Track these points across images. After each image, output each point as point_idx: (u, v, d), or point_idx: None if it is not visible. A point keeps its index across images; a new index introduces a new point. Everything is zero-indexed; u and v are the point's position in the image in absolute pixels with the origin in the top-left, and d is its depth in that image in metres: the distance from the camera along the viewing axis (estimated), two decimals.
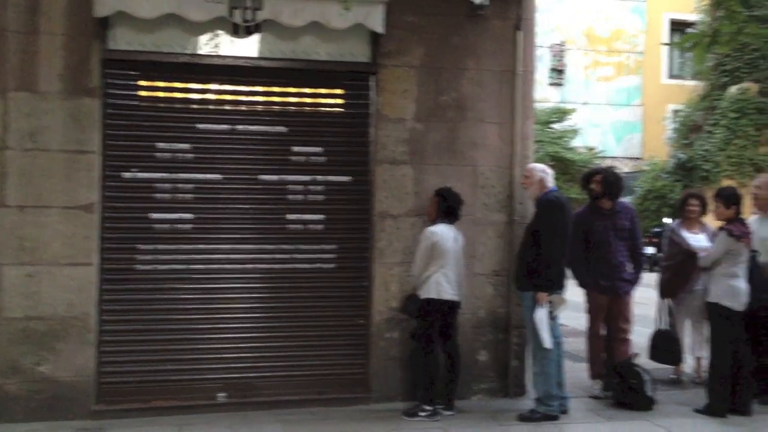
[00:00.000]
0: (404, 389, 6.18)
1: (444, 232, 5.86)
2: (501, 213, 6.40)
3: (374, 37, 6.16)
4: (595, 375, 6.67)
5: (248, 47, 6.02)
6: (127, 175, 5.85)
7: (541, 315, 5.69)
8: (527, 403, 6.07)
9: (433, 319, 5.85)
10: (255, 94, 6.09)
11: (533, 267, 5.74)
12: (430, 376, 5.84)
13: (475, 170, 6.37)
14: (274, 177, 6.08)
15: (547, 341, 5.72)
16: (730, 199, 6.13)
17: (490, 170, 6.39)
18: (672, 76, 26.46)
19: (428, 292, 5.82)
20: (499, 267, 6.39)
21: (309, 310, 6.12)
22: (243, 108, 6.06)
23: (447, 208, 5.94)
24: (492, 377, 6.42)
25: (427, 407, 5.80)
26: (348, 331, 6.20)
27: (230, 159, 6.00)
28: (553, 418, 5.79)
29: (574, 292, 5.92)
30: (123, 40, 5.81)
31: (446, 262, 5.82)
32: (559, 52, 26.56)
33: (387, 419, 5.77)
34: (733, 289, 5.98)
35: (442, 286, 5.81)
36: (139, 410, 5.75)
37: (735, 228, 5.99)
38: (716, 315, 6.08)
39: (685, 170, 20.17)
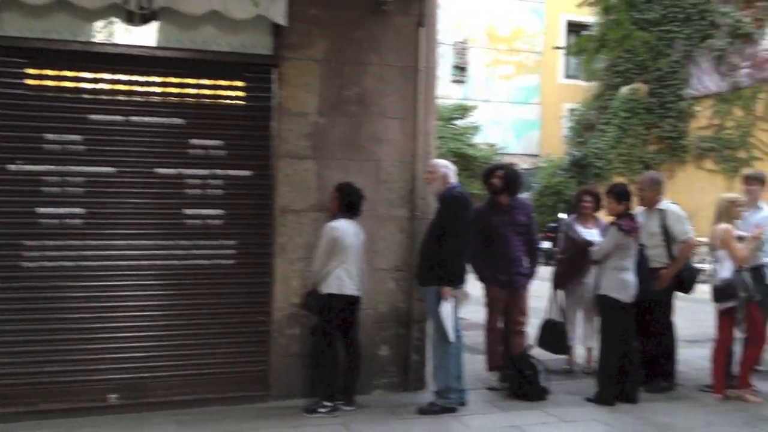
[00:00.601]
0: (305, 386, 6.14)
1: (345, 228, 5.85)
2: (403, 208, 6.43)
3: (277, 29, 6.07)
4: (492, 367, 6.81)
5: (144, 36, 5.81)
6: (12, 167, 5.55)
7: (446, 309, 5.76)
8: (427, 396, 6.14)
9: (334, 315, 5.83)
10: (151, 85, 5.89)
11: (436, 262, 5.80)
12: (330, 372, 5.82)
13: (378, 165, 6.38)
14: (172, 170, 5.91)
15: (452, 335, 5.79)
16: (621, 195, 6.38)
17: (392, 165, 6.42)
18: (568, 76, 27.36)
19: (329, 287, 5.80)
20: (400, 262, 6.42)
21: (207, 308, 5.98)
22: (138, 99, 5.85)
23: (348, 203, 5.92)
24: (392, 372, 6.45)
25: (327, 403, 5.78)
26: (248, 328, 6.09)
27: (124, 152, 5.78)
28: (452, 410, 5.88)
29: (471, 286, 6.03)
30: (11, 27, 5.50)
31: (347, 257, 5.81)
32: (461, 49, 27.00)
33: (287, 416, 5.72)
34: (622, 282, 6.22)
35: (343, 281, 5.79)
36: (25, 414, 5.48)
37: (625, 223, 6.23)
38: (606, 307, 6.31)
39: (579, 167, 20.89)
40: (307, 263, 6.06)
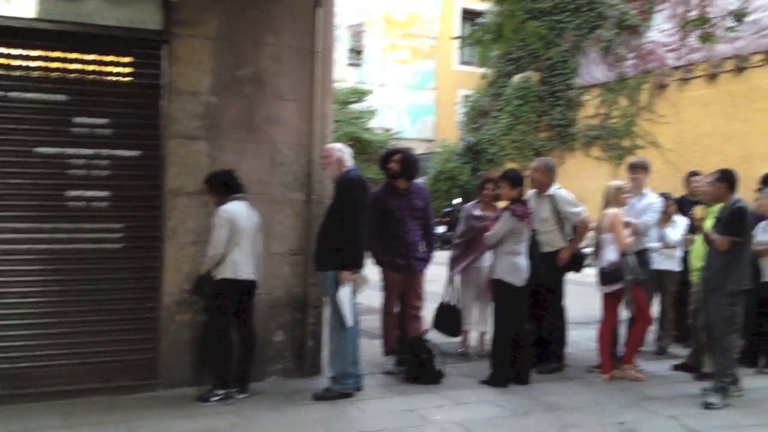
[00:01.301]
0: (196, 374, 5.96)
1: (238, 210, 5.69)
2: (299, 192, 6.32)
3: (167, 5, 5.81)
4: (388, 351, 6.82)
5: (23, 7, 5.43)
6: None
7: (344, 294, 5.70)
8: (323, 382, 6.08)
9: (228, 300, 5.68)
10: (30, 59, 5.53)
11: (334, 246, 5.72)
12: (223, 358, 5.68)
13: (274, 148, 6.24)
14: (52, 150, 5.58)
15: (350, 320, 5.75)
16: (514, 180, 6.49)
17: (288, 148, 6.29)
18: (463, 63, 27.75)
19: (224, 272, 5.64)
20: (296, 246, 6.32)
21: (93, 294, 5.70)
22: (16, 73, 5.48)
23: (222, 183, 5.73)
24: (288, 357, 6.36)
25: (220, 391, 5.63)
26: (135, 315, 5.85)
27: (1, 129, 5.42)
28: (348, 395, 5.85)
29: (368, 271, 6.01)
30: None
31: (241, 240, 5.66)
32: (357, 33, 26.92)
33: (178, 405, 5.54)
34: (515, 266, 6.35)
35: (238, 265, 5.65)
36: None
37: (518, 208, 6.34)
38: (499, 290, 6.42)
39: (473, 153, 21.25)
40: (199, 248, 5.86)
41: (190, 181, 5.93)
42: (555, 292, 6.92)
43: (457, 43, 26.47)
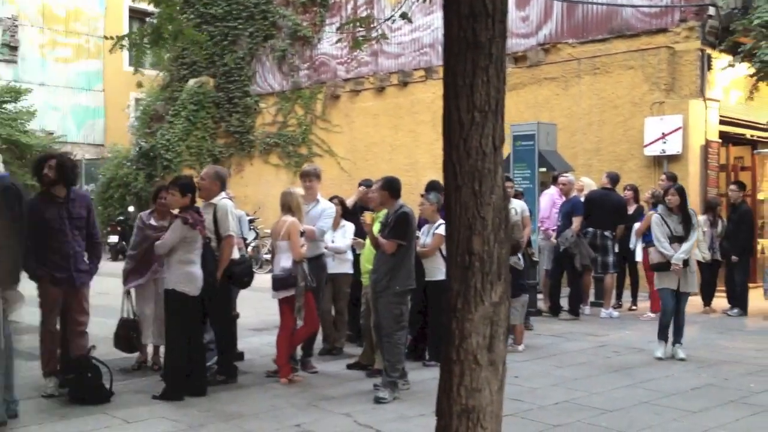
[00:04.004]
0: None
1: None
2: None
3: None
4: (49, 372, 6.17)
5: None
6: None
7: None
8: None
9: None
10: None
11: None
12: None
13: None
14: None
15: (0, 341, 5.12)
16: (185, 187, 6.28)
17: None
18: (132, 64, 26.49)
19: None
20: None
21: None
22: None
23: None
24: None
25: None
26: None
27: None
28: (1, 424, 5.16)
29: (26, 286, 5.38)
30: None
31: None
32: (11, 26, 24.41)
33: None
34: (188, 275, 6.14)
35: None
36: None
37: (189, 216, 6.12)
38: (173, 300, 6.17)
39: (148, 159, 20.36)
40: None
41: None
42: (223, 301, 6.73)
43: (127, 43, 25.14)
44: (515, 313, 7.60)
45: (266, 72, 19.87)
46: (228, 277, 6.64)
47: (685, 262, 7.64)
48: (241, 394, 6.32)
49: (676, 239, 7.68)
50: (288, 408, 5.91)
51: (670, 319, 7.73)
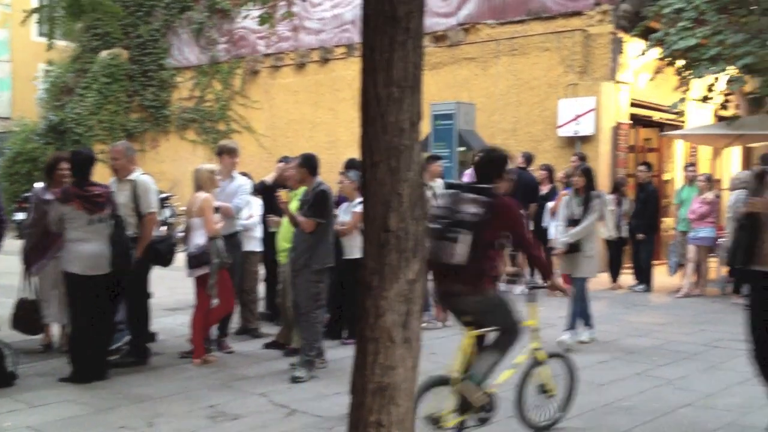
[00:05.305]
0: None
1: None
2: None
3: None
4: None
5: None
6: None
7: None
8: None
9: None
10: None
11: None
12: None
13: None
14: None
15: None
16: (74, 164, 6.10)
17: None
18: (42, 34, 25.34)
19: None
20: None
21: None
22: None
23: None
24: None
25: None
26: None
27: None
28: None
29: None
30: None
31: None
32: None
33: None
34: (74, 254, 5.95)
35: None
36: None
37: (61, 192, 6.00)
38: (67, 281, 6.02)
39: (57, 133, 19.58)
40: None
41: None
42: (139, 280, 6.55)
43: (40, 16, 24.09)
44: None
45: (183, 45, 19.35)
46: (152, 255, 6.45)
47: (576, 247, 7.28)
48: (153, 376, 6.17)
49: (574, 222, 7.42)
50: (201, 389, 5.81)
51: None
